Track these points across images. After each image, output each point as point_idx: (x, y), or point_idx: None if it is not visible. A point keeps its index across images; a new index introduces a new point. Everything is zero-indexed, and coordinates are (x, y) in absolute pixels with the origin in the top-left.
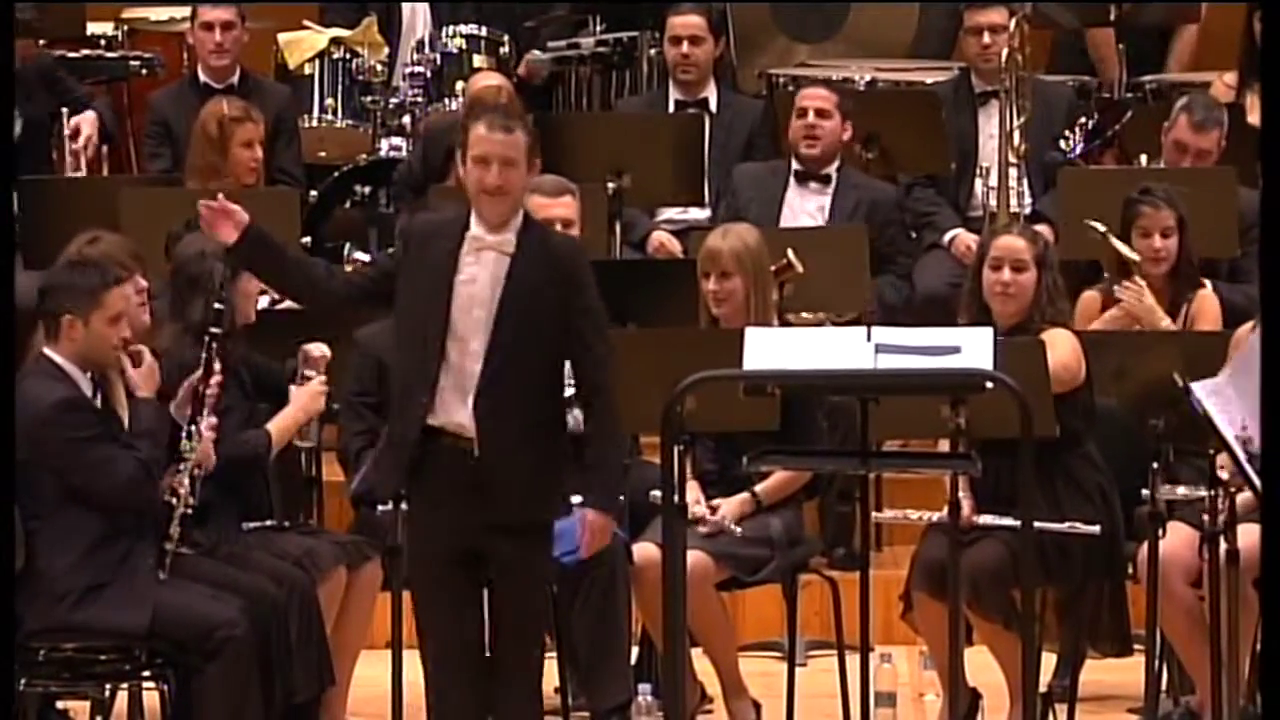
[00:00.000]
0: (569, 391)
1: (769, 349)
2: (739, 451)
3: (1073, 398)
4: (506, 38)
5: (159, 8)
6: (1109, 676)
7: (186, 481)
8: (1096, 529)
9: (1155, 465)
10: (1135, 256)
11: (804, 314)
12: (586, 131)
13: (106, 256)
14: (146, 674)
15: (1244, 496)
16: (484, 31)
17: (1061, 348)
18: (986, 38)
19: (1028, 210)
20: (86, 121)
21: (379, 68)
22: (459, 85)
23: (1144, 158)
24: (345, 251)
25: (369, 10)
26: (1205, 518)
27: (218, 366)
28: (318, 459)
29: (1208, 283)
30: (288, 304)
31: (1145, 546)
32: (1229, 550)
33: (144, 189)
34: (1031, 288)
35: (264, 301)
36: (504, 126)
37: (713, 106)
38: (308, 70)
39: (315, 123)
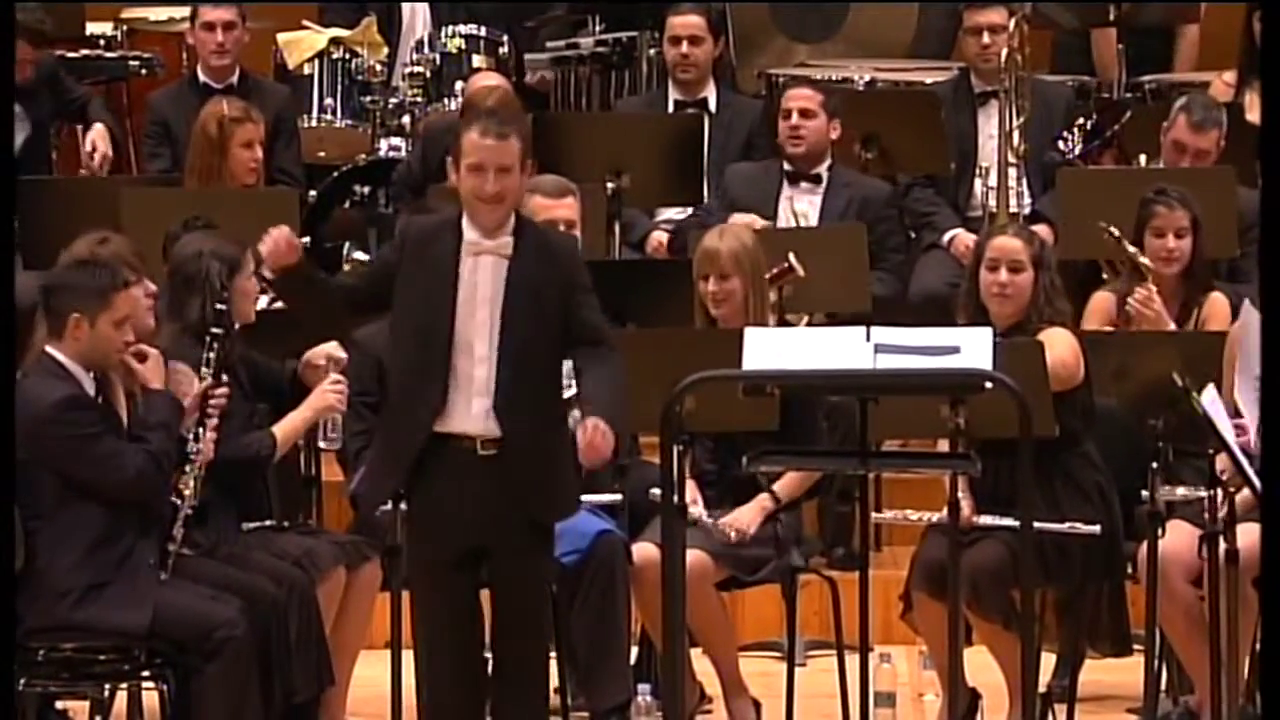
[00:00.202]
0: (569, 394)
1: (768, 349)
2: (738, 452)
3: (1072, 397)
4: (506, 38)
5: (158, 8)
6: (1108, 676)
7: (192, 483)
8: (1096, 529)
9: (1155, 465)
10: (1146, 261)
11: (796, 315)
12: (586, 131)
13: (117, 258)
14: (146, 674)
15: (1243, 496)
16: (483, 32)
17: (1059, 347)
18: (986, 38)
19: (1027, 210)
20: (100, 137)
21: (378, 68)
22: (458, 85)
23: (1143, 158)
24: (345, 251)
25: (368, 10)
26: (1205, 517)
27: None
28: (317, 459)
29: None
30: None
31: (1144, 546)
32: (1228, 550)
33: (143, 189)
34: (1029, 288)
35: (263, 301)
36: (498, 133)
37: (712, 106)
38: (307, 70)
39: (314, 123)
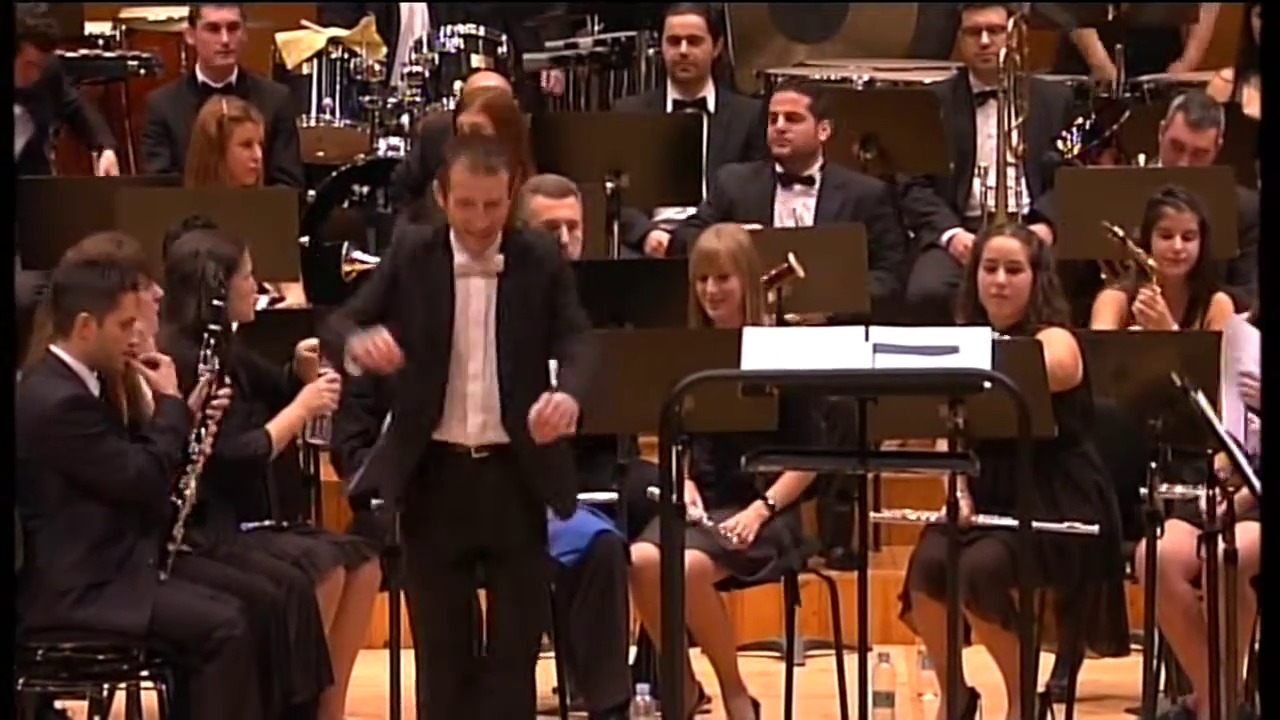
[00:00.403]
0: None
1: (767, 349)
2: (736, 452)
3: (1071, 397)
4: (505, 38)
5: (157, 8)
6: (1107, 676)
7: (193, 484)
8: (1095, 529)
9: (1154, 465)
10: (1151, 262)
11: (796, 315)
12: (584, 131)
13: (130, 260)
14: (145, 674)
15: (1242, 495)
16: (482, 31)
17: (1057, 346)
18: (985, 38)
19: (1025, 210)
20: (112, 165)
21: (377, 67)
22: (457, 85)
23: (1142, 158)
24: (344, 251)
25: (367, 10)
26: (1204, 516)
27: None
28: (316, 459)
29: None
30: (286, 303)
31: (1143, 546)
32: (1227, 549)
33: (142, 189)
34: (1027, 289)
35: (263, 302)
36: (487, 167)
37: (711, 106)
38: (306, 70)
39: (313, 122)
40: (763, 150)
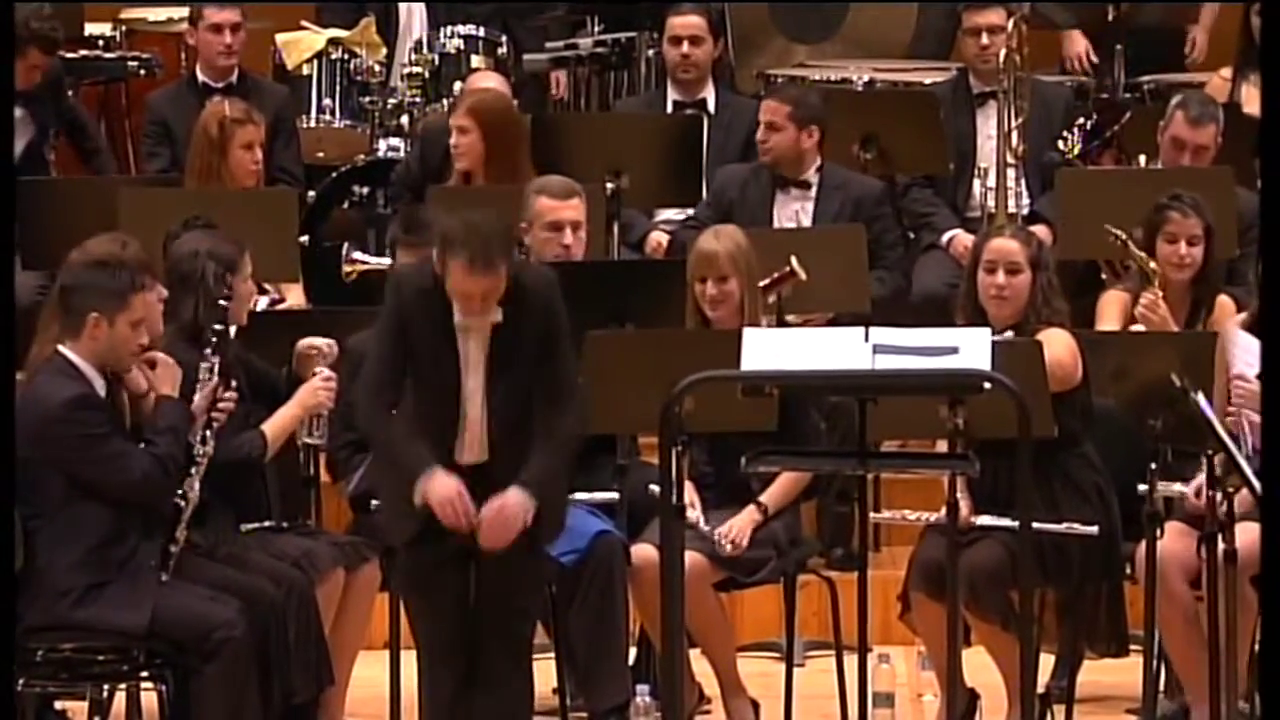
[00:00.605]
0: None
1: (767, 350)
2: (735, 453)
3: (1070, 398)
4: (504, 38)
5: (157, 8)
6: (1106, 677)
7: (196, 485)
8: (1094, 529)
9: (1154, 465)
10: (1153, 265)
11: (792, 316)
12: (584, 132)
13: (135, 261)
14: (144, 674)
15: (1242, 495)
16: (481, 32)
17: (1057, 347)
18: (985, 38)
19: (1025, 211)
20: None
21: (377, 68)
22: (457, 86)
23: (1143, 158)
24: (344, 251)
25: (366, 10)
26: (1197, 495)
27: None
28: (316, 459)
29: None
30: (285, 305)
31: (1143, 547)
32: (1227, 550)
33: (142, 189)
34: (1026, 289)
35: (263, 302)
36: (485, 266)
37: (711, 107)
38: (305, 70)
39: (313, 123)
40: None
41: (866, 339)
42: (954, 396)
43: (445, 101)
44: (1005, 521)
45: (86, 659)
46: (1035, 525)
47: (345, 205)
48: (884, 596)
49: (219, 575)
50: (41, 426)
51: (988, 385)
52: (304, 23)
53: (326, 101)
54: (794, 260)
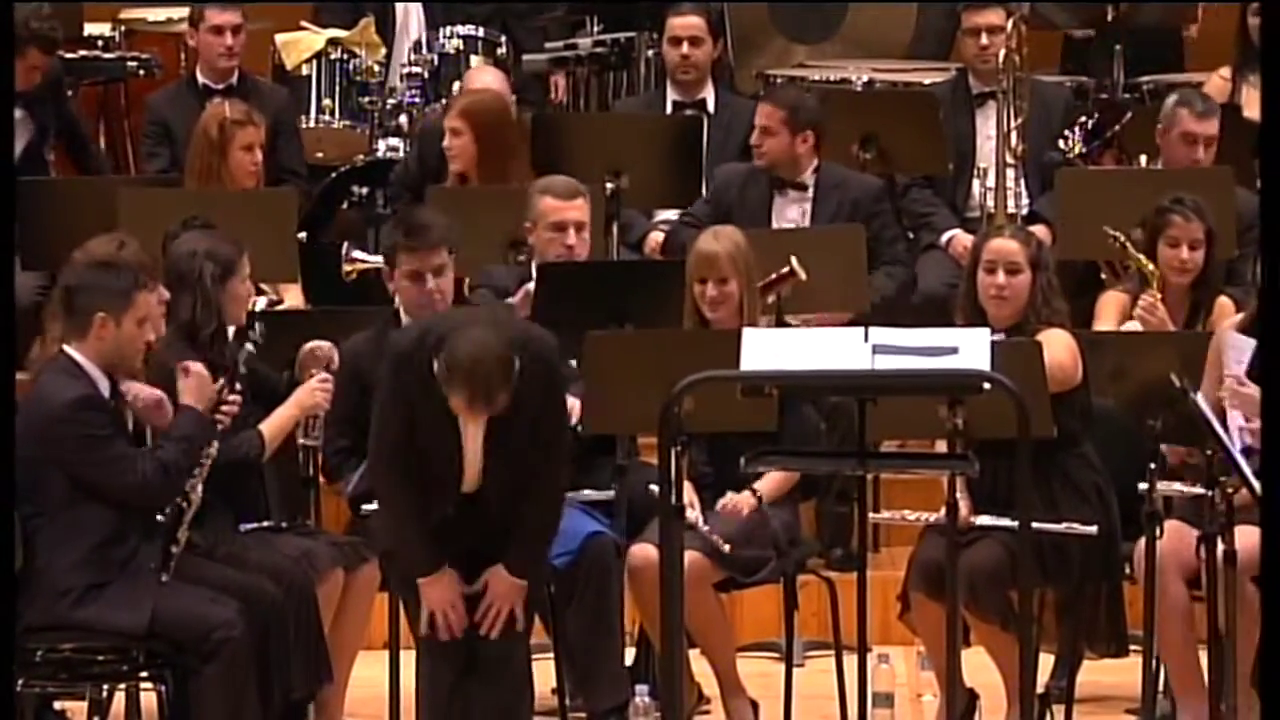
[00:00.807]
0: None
1: (767, 350)
2: (734, 453)
3: (1070, 398)
4: (504, 39)
5: (156, 8)
6: (1106, 677)
7: (199, 487)
8: (1094, 530)
9: (1153, 465)
10: (1152, 268)
11: (792, 317)
12: (584, 132)
13: (136, 260)
14: (144, 674)
15: (1242, 495)
16: (480, 32)
17: (1056, 347)
18: (984, 39)
19: (1025, 211)
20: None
21: (376, 68)
22: (456, 86)
23: (1143, 158)
24: (344, 251)
25: (365, 11)
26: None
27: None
28: (315, 460)
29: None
30: (285, 305)
31: (1142, 546)
32: (1226, 550)
33: (142, 189)
34: (1026, 290)
35: (262, 303)
36: (485, 405)
37: (710, 107)
38: (305, 71)
39: (312, 123)
40: None
41: (866, 339)
42: (953, 397)
43: (444, 101)
44: (1005, 521)
45: (86, 659)
46: (1035, 525)
47: (345, 205)
48: (883, 596)
49: (218, 575)
50: (45, 426)
51: (987, 385)
52: (303, 23)
53: (326, 102)
54: (794, 260)
